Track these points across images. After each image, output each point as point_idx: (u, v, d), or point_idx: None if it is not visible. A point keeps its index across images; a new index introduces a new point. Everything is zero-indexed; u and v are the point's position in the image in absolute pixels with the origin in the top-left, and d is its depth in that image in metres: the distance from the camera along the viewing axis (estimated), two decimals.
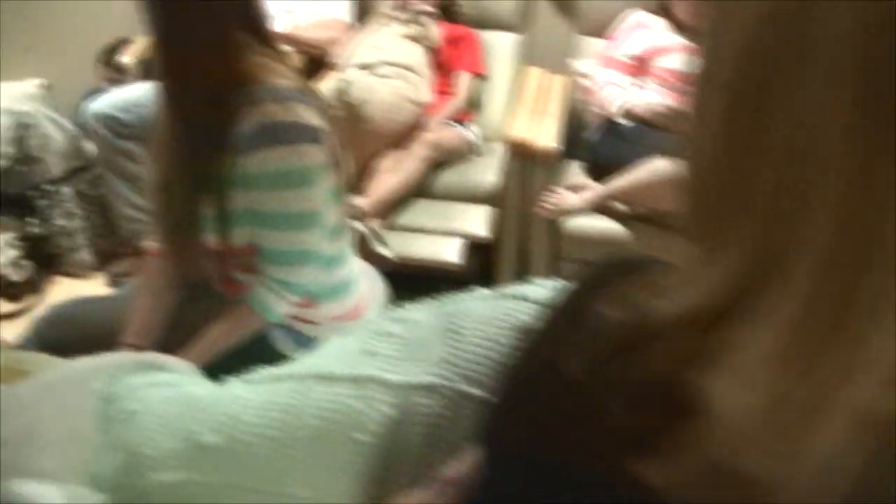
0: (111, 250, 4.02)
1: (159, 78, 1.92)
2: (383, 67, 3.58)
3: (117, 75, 4.44)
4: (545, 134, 3.34)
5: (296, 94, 1.89)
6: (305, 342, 2.12)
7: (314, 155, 1.90)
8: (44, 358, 1.99)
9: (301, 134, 1.87)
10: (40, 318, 2.25)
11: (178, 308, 2.19)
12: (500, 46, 4.09)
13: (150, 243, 2.23)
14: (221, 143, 1.88)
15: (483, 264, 3.43)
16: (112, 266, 3.92)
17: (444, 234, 3.32)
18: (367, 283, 2.29)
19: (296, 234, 1.95)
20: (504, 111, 3.99)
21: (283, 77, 1.92)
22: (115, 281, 3.85)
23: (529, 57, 4.13)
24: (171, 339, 2.05)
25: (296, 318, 2.10)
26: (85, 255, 3.92)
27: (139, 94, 3.82)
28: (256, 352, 1.99)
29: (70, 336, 2.17)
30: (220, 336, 2.03)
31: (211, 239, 1.99)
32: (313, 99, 1.96)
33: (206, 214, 1.95)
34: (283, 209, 1.92)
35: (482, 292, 0.76)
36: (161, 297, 2.18)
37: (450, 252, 3.29)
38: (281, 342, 2.11)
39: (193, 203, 1.96)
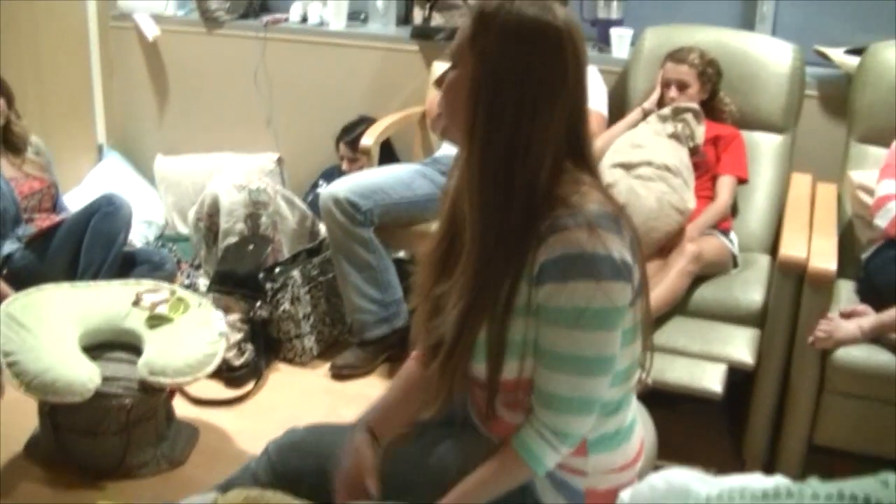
0: (336, 339, 3.86)
1: (474, 187, 1.72)
2: (644, 168, 3.32)
3: (354, 155, 4.32)
4: (820, 252, 3.01)
5: (607, 221, 1.66)
6: (571, 494, 1.84)
7: (619, 294, 1.66)
8: (283, 498, 1.88)
9: (608, 269, 1.63)
10: (274, 443, 2.06)
11: (431, 434, 1.96)
12: (763, 148, 3.78)
13: (415, 347, 2.02)
14: (520, 268, 1.68)
15: (734, 388, 3.09)
16: (336, 357, 3.73)
17: (705, 358, 3.01)
18: (641, 426, 1.99)
19: (583, 380, 1.70)
20: (764, 220, 3.69)
21: (595, 201, 1.68)
22: (338, 373, 3.67)
23: (795, 161, 3.81)
24: (421, 468, 1.89)
25: (563, 466, 1.82)
26: (308, 343, 3.76)
27: (379, 179, 3.67)
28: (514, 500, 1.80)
29: (305, 466, 1.99)
30: (482, 483, 1.77)
31: (480, 367, 1.75)
32: (626, 228, 1.70)
33: (481, 339, 1.72)
34: (575, 351, 1.67)
35: None
36: (411, 401, 1.98)
37: (711, 379, 2.97)
38: (544, 492, 1.84)
39: (471, 325, 1.73)
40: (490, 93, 1.66)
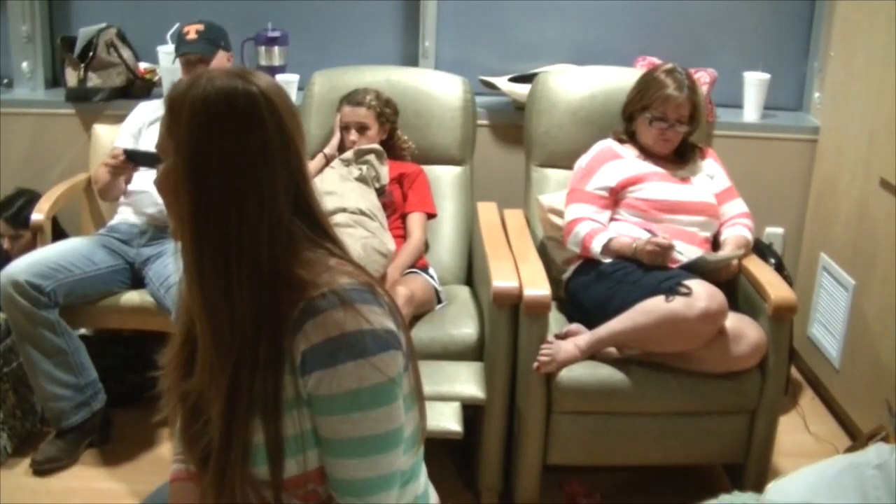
0: (30, 432, 3.57)
1: (193, 279, 1.58)
2: (341, 215, 3.28)
3: (17, 232, 4.03)
4: (532, 280, 3.07)
5: (361, 293, 1.56)
6: None
7: (390, 365, 1.56)
8: None
9: (373, 343, 1.53)
10: None
11: None
12: (445, 181, 3.86)
13: (178, 466, 1.87)
14: (276, 363, 1.55)
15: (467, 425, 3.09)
16: (34, 452, 3.45)
17: (437, 398, 2.98)
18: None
19: (376, 458, 1.60)
20: (456, 251, 3.75)
21: (343, 274, 1.59)
22: (39, 469, 3.40)
23: (477, 191, 3.91)
24: None
25: None
26: (2, 441, 3.46)
27: (57, 256, 3.44)
28: None
29: None
30: None
31: (261, 469, 1.62)
32: (381, 295, 1.62)
33: (256, 441, 1.59)
34: (360, 433, 1.57)
35: None
36: None
37: (449, 419, 2.96)
38: None
39: (239, 428, 1.59)
40: (193, 181, 1.54)
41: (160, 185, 1.62)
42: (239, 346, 1.56)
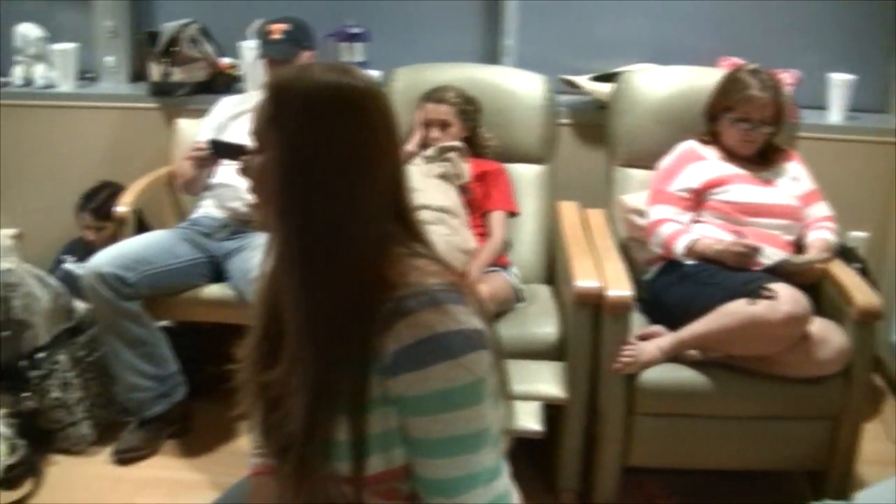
0: (112, 421, 3.62)
1: (287, 272, 1.59)
2: (424, 213, 3.27)
3: (100, 224, 4.09)
4: (615, 280, 3.06)
5: (450, 293, 1.55)
6: None
7: (479, 364, 1.54)
8: None
9: (462, 343, 1.52)
10: None
11: None
12: (526, 179, 3.85)
13: (258, 460, 1.88)
14: (363, 361, 1.54)
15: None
16: (116, 441, 3.50)
17: (518, 397, 2.97)
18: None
19: (466, 458, 1.59)
20: (536, 250, 3.75)
21: (432, 274, 1.58)
22: (122, 458, 3.44)
23: (558, 190, 3.89)
24: None
25: None
26: (84, 429, 3.52)
27: (140, 249, 3.48)
28: None
29: None
30: None
31: (342, 465, 1.62)
32: (468, 295, 1.62)
33: (339, 439, 1.60)
34: (450, 433, 1.56)
35: None
36: None
37: (529, 418, 2.97)
38: None
39: (322, 423, 1.59)
40: (301, 172, 1.53)
41: (254, 175, 1.61)
42: (327, 342, 1.56)
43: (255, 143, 1.60)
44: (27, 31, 4.33)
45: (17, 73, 4.39)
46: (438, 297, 1.52)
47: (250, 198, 1.64)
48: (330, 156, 1.53)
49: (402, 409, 1.54)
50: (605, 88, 3.96)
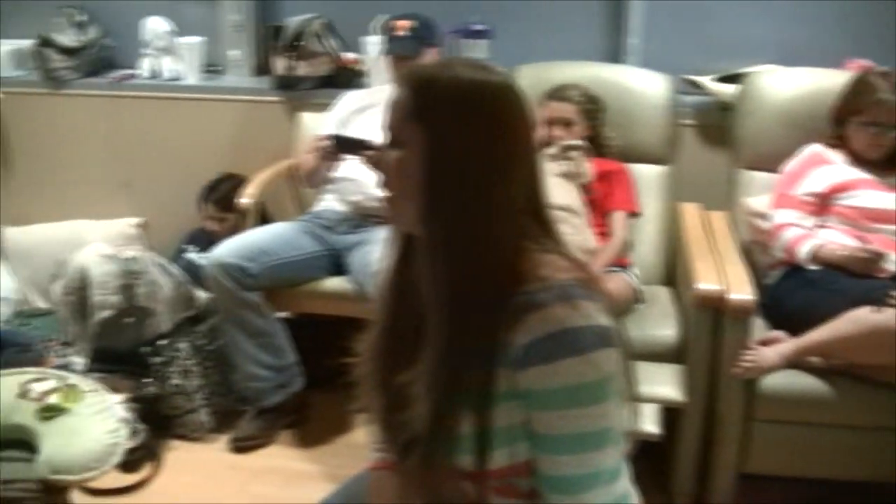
0: (229, 410, 3.67)
1: (427, 266, 1.59)
2: None
3: (222, 215, 4.15)
4: (737, 283, 3.01)
5: (580, 289, 1.54)
6: None
7: (607, 362, 1.53)
8: None
9: (591, 339, 1.50)
10: None
11: None
12: (647, 180, 3.81)
13: (378, 454, 1.89)
14: (492, 354, 1.53)
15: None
16: (233, 429, 3.55)
17: (637, 399, 2.95)
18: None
19: (590, 455, 1.57)
20: (657, 252, 3.71)
21: (563, 269, 1.57)
22: (239, 446, 3.49)
23: (679, 191, 3.85)
24: None
25: None
26: (203, 416, 3.58)
27: (262, 240, 3.52)
28: None
29: None
30: None
31: (465, 459, 1.62)
32: (598, 292, 1.60)
33: (463, 432, 1.59)
34: (575, 430, 1.54)
35: None
36: None
37: (647, 421, 2.95)
38: None
39: (449, 418, 1.59)
40: (448, 169, 1.53)
41: (397, 170, 1.60)
42: (462, 334, 1.56)
43: (392, 137, 1.61)
44: (155, 24, 4.42)
45: (145, 66, 4.48)
46: (569, 291, 1.51)
47: (376, 192, 1.65)
48: (477, 151, 1.53)
49: (529, 403, 1.54)
50: (728, 89, 3.91)
